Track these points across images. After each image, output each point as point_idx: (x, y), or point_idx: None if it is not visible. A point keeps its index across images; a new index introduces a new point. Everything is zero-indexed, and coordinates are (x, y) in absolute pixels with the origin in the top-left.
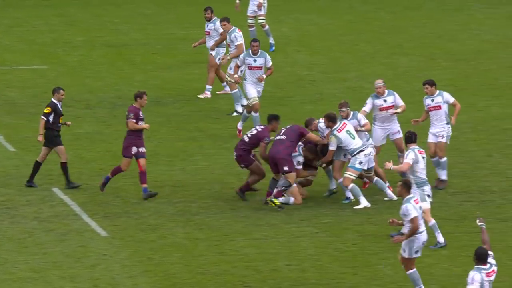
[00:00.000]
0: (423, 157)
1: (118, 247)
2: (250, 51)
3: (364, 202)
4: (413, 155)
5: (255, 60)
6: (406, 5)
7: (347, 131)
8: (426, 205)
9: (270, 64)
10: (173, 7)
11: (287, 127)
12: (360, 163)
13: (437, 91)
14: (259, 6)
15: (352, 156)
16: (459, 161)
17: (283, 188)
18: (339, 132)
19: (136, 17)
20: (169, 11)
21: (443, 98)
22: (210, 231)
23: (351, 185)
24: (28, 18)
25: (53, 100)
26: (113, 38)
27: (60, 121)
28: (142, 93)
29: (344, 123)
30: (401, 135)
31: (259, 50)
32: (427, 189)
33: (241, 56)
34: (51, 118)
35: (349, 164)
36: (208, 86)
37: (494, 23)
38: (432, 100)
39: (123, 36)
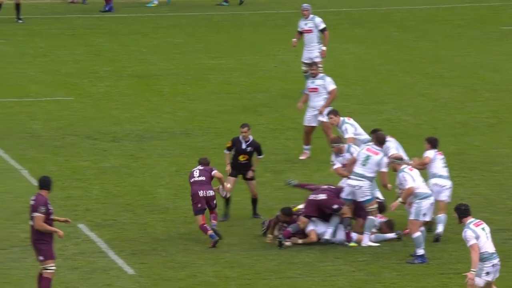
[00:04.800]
0: (483, 228)
1: (145, 286)
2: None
3: None
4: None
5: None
6: (447, 33)
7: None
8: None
9: None
10: (202, 36)
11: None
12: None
13: None
14: (323, 55)
15: None
16: (503, 197)
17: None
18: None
19: (164, 47)
20: (198, 40)
21: None
22: (241, 269)
23: None
24: (53, 48)
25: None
26: (140, 68)
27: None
28: None
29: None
30: None
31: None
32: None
33: None
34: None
35: None
36: (306, 147)
37: None
38: None
39: (151, 66)
